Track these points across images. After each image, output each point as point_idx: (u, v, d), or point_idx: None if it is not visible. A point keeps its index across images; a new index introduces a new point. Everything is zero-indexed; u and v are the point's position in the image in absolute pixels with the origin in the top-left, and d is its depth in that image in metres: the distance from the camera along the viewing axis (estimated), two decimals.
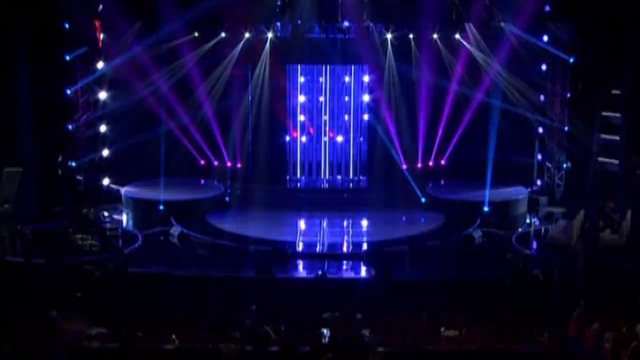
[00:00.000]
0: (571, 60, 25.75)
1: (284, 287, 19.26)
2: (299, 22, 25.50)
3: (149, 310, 16.88)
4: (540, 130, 26.96)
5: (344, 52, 26.07)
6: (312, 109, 27.73)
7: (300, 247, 22.73)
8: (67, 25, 24.79)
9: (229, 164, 27.29)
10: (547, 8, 25.51)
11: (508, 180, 26.58)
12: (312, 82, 27.66)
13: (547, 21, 25.73)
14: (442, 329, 15.25)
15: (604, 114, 26.54)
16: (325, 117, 27.75)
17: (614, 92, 25.77)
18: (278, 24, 25.92)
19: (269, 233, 23.40)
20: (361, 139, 27.74)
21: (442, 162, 27.39)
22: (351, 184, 27.82)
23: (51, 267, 18.83)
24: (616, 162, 25.70)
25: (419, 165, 27.16)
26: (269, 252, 21.31)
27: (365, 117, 27.49)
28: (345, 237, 24.07)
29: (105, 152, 26.75)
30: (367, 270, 20.63)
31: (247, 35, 26.01)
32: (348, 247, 23.23)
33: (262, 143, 27.05)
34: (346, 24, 25.76)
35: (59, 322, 16.47)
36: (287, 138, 27.48)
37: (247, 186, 27.06)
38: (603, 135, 26.66)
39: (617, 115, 25.77)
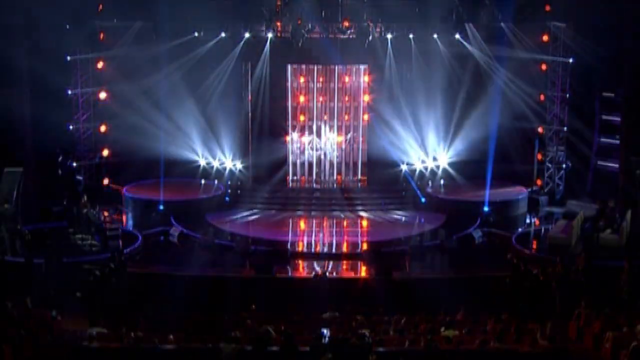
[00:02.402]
0: (571, 60, 25.77)
1: (284, 287, 19.26)
2: (299, 22, 25.50)
3: (148, 310, 16.87)
4: (540, 130, 26.97)
5: (344, 52, 26.09)
6: (312, 109, 27.75)
7: (300, 247, 22.73)
8: (67, 26, 24.82)
9: (229, 165, 27.29)
10: (547, 8, 25.53)
11: (508, 180, 26.61)
12: (312, 82, 27.68)
13: (547, 21, 25.75)
14: (442, 329, 15.24)
15: (604, 114, 26.56)
16: (325, 117, 27.77)
17: (614, 92, 25.78)
18: (278, 24, 25.94)
19: (269, 233, 23.41)
20: (361, 139, 27.76)
21: (443, 161, 27.38)
22: (351, 184, 27.81)
23: (51, 267, 18.81)
24: (616, 162, 25.70)
25: (419, 165, 27.16)
26: (269, 252, 21.30)
27: (365, 117, 27.51)
28: (345, 237, 24.08)
29: (105, 152, 26.77)
30: (367, 270, 20.66)
31: (247, 35, 26.03)
32: (348, 246, 23.23)
33: (262, 143, 27.08)
34: (346, 24, 25.76)
35: (59, 322, 16.48)
36: (288, 138, 27.49)
37: (247, 186, 27.08)
38: (602, 136, 26.68)
39: (617, 115, 25.77)
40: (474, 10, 25.32)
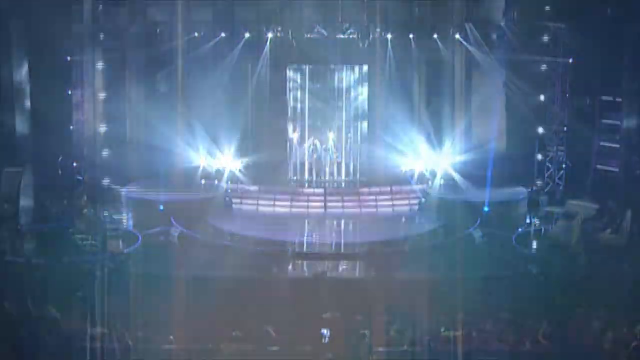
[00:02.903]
0: (571, 60, 25.76)
1: (284, 287, 19.25)
2: (299, 22, 25.51)
3: (148, 310, 16.86)
4: (540, 130, 26.98)
5: (344, 52, 26.10)
6: (312, 109, 27.73)
7: (300, 247, 22.73)
8: (67, 26, 24.82)
9: (229, 165, 27.27)
10: (547, 8, 25.55)
11: (508, 180, 26.60)
12: (312, 82, 27.67)
13: (547, 21, 25.75)
14: (442, 329, 15.24)
15: (604, 114, 26.56)
16: (325, 118, 27.76)
17: (614, 93, 25.78)
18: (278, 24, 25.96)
19: (269, 233, 23.42)
20: (361, 139, 27.74)
21: (443, 161, 27.35)
22: (351, 184, 27.79)
23: (51, 267, 18.80)
24: (616, 162, 25.70)
25: (419, 165, 27.15)
26: (269, 252, 21.29)
27: (365, 117, 27.49)
28: (345, 237, 24.05)
29: (105, 152, 26.76)
30: (367, 270, 20.66)
31: (247, 35, 26.03)
32: (348, 247, 23.21)
33: (262, 143, 27.06)
34: (346, 24, 25.76)
35: (59, 322, 16.47)
36: (287, 138, 27.48)
37: (247, 186, 27.06)
38: (603, 136, 26.67)
39: (617, 116, 25.77)
40: (474, 11, 25.32)
